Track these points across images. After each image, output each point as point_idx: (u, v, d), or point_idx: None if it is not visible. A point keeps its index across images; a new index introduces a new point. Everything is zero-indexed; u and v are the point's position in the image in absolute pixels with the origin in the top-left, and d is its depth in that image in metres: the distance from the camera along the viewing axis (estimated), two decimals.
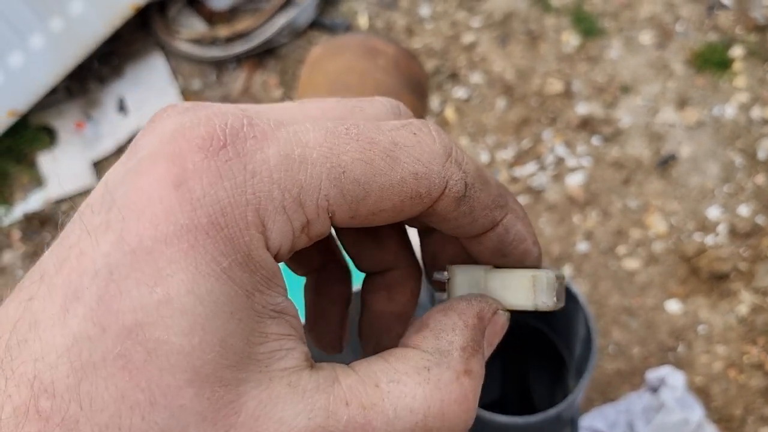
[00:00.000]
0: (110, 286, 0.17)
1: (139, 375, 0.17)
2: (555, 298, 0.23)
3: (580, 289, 1.53)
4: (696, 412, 1.17)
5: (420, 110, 1.10)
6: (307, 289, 0.28)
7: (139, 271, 0.17)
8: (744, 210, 1.59)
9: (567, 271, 1.57)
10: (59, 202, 1.84)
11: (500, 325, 0.24)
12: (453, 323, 0.22)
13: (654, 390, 1.21)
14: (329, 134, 0.20)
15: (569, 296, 0.67)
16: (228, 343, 0.18)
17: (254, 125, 0.19)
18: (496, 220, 0.23)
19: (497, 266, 0.25)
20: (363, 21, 2.07)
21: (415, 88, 1.07)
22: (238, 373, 0.18)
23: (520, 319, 0.78)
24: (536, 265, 0.25)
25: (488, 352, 0.23)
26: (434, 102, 1.87)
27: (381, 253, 0.26)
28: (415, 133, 0.21)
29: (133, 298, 0.17)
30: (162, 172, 0.18)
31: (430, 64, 1.93)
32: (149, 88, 1.95)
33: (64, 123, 1.93)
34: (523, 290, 0.24)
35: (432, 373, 0.21)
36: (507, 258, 0.25)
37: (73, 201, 1.78)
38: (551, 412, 0.59)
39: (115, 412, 0.17)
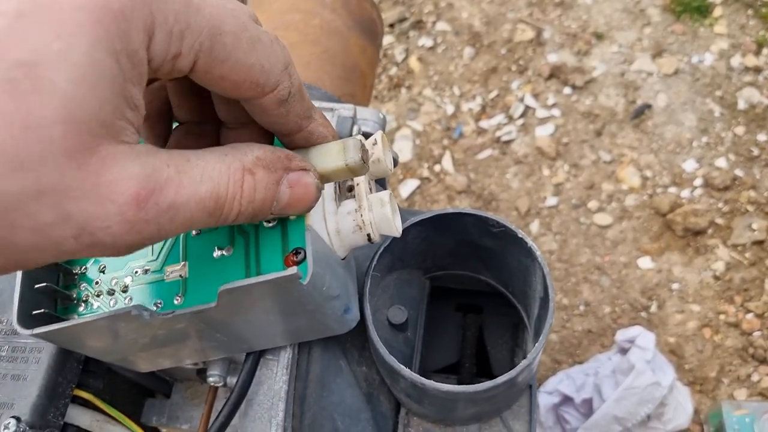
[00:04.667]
0: (16, 24, 0.21)
1: (21, 101, 0.21)
2: (361, 156, 0.30)
3: (550, 246, 1.45)
4: (667, 375, 1.10)
5: (371, 52, 1.00)
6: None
7: (48, 22, 0.21)
8: (722, 162, 1.51)
9: (535, 226, 1.49)
10: None
11: (306, 183, 0.30)
12: (260, 145, 0.29)
13: (624, 351, 1.14)
14: (221, 6, 0.26)
15: (525, 251, 0.59)
16: (103, 107, 0.22)
17: None
18: (302, 126, 0.31)
19: None
20: None
21: (366, 29, 0.98)
22: (101, 130, 0.23)
23: (474, 278, 0.69)
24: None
25: (290, 210, 0.30)
26: (398, 51, 1.76)
27: (201, 106, 0.34)
28: (271, 40, 0.28)
29: (36, 40, 0.21)
30: None
31: (394, 12, 1.82)
32: None
33: None
34: (336, 153, 0.30)
35: (227, 158, 0.27)
36: None
37: None
38: (501, 379, 0.52)
39: None
